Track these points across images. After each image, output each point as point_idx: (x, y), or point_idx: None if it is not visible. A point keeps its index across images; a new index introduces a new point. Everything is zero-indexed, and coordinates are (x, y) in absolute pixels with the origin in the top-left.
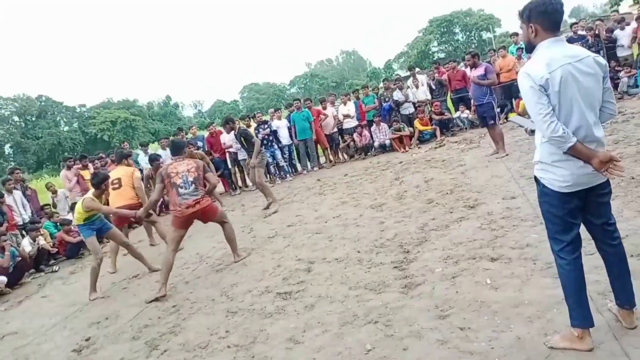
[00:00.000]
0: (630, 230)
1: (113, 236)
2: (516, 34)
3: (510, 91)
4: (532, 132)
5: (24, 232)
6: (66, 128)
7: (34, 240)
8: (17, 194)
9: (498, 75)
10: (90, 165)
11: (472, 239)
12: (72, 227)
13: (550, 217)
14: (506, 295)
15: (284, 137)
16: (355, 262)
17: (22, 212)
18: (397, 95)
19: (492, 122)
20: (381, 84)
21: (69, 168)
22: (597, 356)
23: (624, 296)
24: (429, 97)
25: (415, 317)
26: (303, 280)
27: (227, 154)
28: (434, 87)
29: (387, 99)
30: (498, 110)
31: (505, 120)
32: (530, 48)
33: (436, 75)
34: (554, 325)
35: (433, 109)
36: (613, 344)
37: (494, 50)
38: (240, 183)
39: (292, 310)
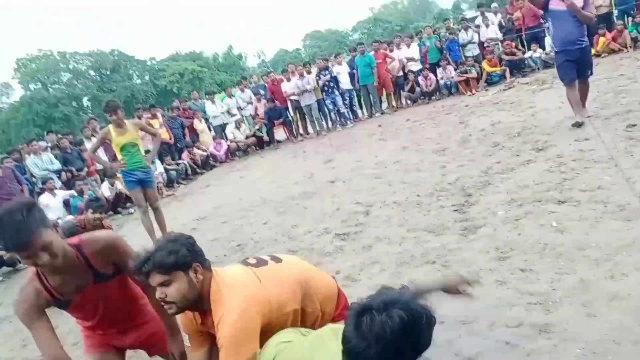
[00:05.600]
0: None
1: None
2: None
3: (591, 27)
4: None
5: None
6: (138, 81)
7: (112, 186)
8: None
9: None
10: (158, 114)
11: (539, 182)
12: None
13: None
14: (572, 238)
15: (345, 82)
16: (414, 205)
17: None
18: (462, 36)
19: (590, 72)
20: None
21: (139, 118)
22: None
23: None
24: (500, 36)
25: (474, 259)
26: (361, 222)
27: (289, 102)
28: (504, 24)
29: (447, 40)
30: None
31: None
32: None
33: (509, 11)
34: (622, 268)
35: (504, 49)
36: None
37: None
38: (301, 130)
39: (350, 250)
